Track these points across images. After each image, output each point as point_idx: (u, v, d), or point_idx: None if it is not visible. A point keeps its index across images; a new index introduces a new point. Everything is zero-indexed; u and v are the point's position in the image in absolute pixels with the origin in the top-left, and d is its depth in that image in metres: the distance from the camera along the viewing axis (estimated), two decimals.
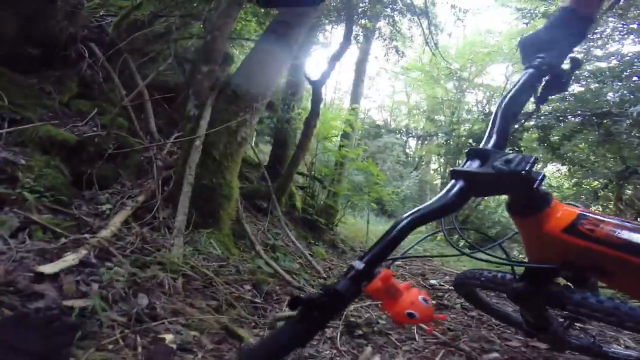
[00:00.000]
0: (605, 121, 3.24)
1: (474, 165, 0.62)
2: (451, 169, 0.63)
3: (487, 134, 0.70)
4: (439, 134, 10.33)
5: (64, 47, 3.31)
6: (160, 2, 3.75)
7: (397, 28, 5.98)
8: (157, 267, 1.77)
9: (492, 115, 0.73)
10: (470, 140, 8.36)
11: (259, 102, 3.01)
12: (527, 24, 6.40)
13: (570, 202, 0.76)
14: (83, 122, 2.83)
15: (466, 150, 0.66)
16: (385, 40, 6.20)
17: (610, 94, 3.44)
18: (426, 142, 17.18)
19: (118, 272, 1.55)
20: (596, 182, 5.30)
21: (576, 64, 0.78)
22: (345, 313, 2.48)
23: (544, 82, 0.79)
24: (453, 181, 0.60)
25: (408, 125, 20.59)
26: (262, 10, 4.82)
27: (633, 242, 0.54)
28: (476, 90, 10.37)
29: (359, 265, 0.57)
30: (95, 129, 2.81)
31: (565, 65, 0.79)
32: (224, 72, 3.36)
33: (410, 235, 0.64)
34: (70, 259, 1.50)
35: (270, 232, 3.94)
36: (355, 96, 8.77)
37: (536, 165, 0.59)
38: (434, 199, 0.59)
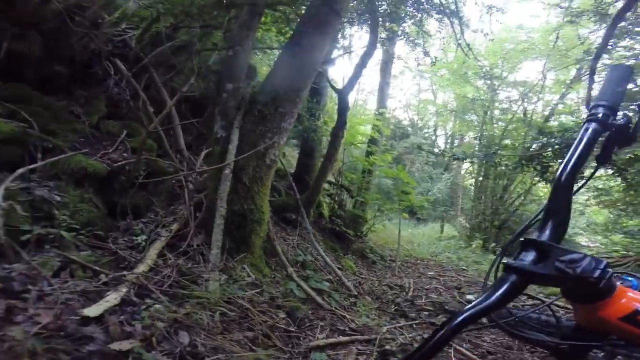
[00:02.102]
0: None
1: (529, 258, 0.58)
2: (505, 261, 0.59)
3: (543, 219, 0.64)
4: (470, 134, 10.01)
5: (89, 65, 3.40)
6: (180, 13, 3.75)
7: (423, 29, 5.85)
8: (195, 302, 1.82)
9: (550, 195, 0.65)
10: (508, 141, 8.07)
11: (287, 122, 2.97)
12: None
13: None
14: (113, 148, 2.92)
15: (521, 239, 0.61)
16: (410, 42, 6.07)
17: None
18: (456, 141, 16.74)
19: (158, 310, 1.61)
20: None
21: None
22: (378, 338, 2.48)
23: (605, 137, 0.70)
24: (505, 274, 0.57)
25: (436, 125, 20.15)
26: (282, 16, 4.78)
27: None
28: (510, 88, 9.96)
29: None
30: (125, 154, 2.91)
31: (630, 113, 0.70)
32: (248, 87, 3.28)
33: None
34: (112, 298, 1.58)
35: (300, 246, 3.98)
36: (382, 99, 8.66)
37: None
38: (484, 295, 0.56)
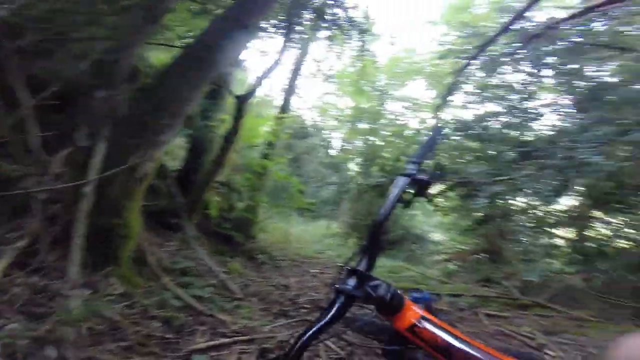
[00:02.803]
0: None
1: (351, 283, 0.76)
2: (335, 286, 0.77)
3: (362, 250, 0.82)
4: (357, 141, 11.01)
5: None
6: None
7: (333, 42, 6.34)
8: (56, 319, 1.77)
9: (368, 236, 0.84)
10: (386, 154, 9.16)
11: (165, 135, 2.78)
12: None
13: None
14: None
15: (347, 268, 0.79)
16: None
17: None
18: (347, 147, 18.03)
19: (15, 329, 1.55)
20: None
21: (440, 173, 1.02)
22: (260, 337, 2.67)
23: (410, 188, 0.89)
24: (336, 296, 0.75)
25: (334, 129, 21.28)
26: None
27: (449, 347, 0.72)
28: (395, 103, 11.34)
29: None
30: None
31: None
32: (125, 93, 2.93)
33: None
34: None
35: (180, 252, 3.90)
36: (286, 103, 8.74)
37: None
38: (323, 314, 0.72)
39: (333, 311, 0.71)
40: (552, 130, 4.95)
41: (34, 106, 3.14)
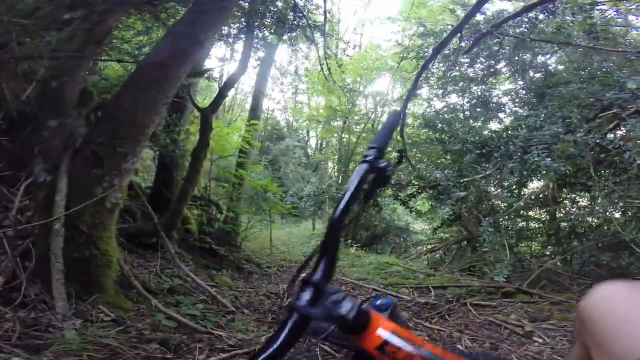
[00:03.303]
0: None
1: (306, 298, 0.63)
2: (288, 302, 0.65)
3: (318, 256, 0.67)
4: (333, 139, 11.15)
5: None
6: None
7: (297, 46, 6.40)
8: (55, 349, 1.78)
9: (325, 236, 0.69)
10: (360, 149, 9.32)
11: (129, 162, 2.64)
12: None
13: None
14: None
15: (301, 279, 0.67)
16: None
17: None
18: (324, 146, 18.19)
19: None
20: None
21: (402, 157, 0.94)
22: (257, 348, 2.71)
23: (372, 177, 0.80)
24: (289, 314, 0.61)
25: (308, 128, 21.39)
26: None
27: None
28: (365, 100, 11.52)
29: None
30: None
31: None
32: (79, 120, 2.81)
33: None
34: None
35: (164, 272, 3.85)
36: (256, 108, 8.74)
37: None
38: (273, 336, 0.59)
39: (283, 335, 0.58)
40: (511, 125, 5.21)
41: None
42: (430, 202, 6.06)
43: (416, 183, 3.71)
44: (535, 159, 3.46)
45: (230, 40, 6.01)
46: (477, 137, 4.51)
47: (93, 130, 2.70)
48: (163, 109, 3.02)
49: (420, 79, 5.03)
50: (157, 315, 2.71)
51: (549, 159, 3.39)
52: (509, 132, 4.91)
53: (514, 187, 5.19)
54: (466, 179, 3.37)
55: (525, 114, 4.60)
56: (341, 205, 0.70)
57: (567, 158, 3.56)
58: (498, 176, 3.87)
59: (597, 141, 3.41)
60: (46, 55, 2.72)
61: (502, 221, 4.47)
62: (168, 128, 5.34)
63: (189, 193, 4.57)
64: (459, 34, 3.98)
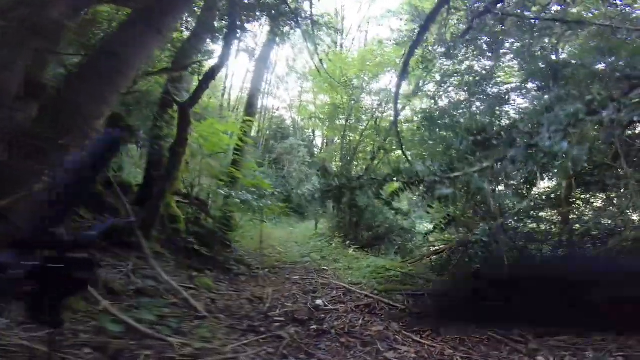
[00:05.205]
0: None
1: None
2: None
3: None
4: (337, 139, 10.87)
5: None
6: None
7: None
8: None
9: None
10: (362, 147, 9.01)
11: (73, 156, 2.59)
12: None
13: None
14: None
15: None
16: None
17: None
18: (328, 145, 17.96)
19: None
20: None
21: None
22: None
23: None
24: None
25: (314, 127, 21.22)
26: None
27: None
28: (370, 97, 11.19)
29: None
30: None
31: None
32: (25, 110, 2.68)
33: None
34: None
35: (137, 272, 3.68)
36: (252, 105, 8.62)
37: None
38: None
39: None
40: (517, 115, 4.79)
41: None
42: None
43: (395, 179, 3.29)
44: (547, 143, 2.64)
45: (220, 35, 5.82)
46: (473, 124, 3.98)
47: (34, 121, 2.58)
48: (113, 101, 2.89)
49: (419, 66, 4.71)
50: (103, 318, 2.53)
51: (566, 144, 2.58)
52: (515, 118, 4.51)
53: (522, 186, 4.78)
54: (456, 174, 2.95)
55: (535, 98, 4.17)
56: None
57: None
58: (498, 168, 3.22)
59: (635, 118, 2.66)
60: None
61: (506, 223, 4.07)
62: (153, 123, 5.24)
63: (166, 191, 4.36)
64: (446, 6, 3.64)
